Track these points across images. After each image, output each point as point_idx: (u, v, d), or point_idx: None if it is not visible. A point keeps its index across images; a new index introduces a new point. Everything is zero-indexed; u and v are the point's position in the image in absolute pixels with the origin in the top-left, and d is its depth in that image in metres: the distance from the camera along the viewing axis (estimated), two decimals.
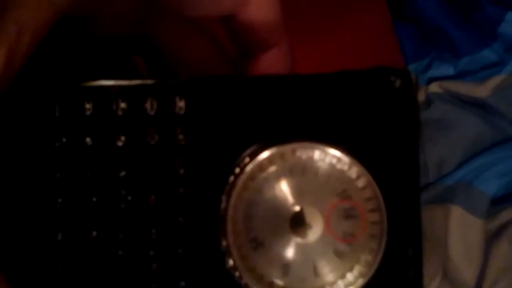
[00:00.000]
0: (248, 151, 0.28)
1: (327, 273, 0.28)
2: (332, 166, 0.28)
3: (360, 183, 0.28)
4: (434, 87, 0.94)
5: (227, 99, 0.28)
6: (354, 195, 0.28)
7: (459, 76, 0.96)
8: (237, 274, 0.28)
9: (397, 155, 0.28)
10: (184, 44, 0.33)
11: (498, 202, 0.88)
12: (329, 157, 0.28)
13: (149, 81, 0.28)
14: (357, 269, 0.28)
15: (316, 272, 0.28)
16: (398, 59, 0.91)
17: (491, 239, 0.85)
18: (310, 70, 0.29)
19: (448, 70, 0.97)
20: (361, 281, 0.28)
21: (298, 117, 0.28)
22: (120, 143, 0.28)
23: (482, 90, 0.94)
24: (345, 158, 0.28)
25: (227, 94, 0.28)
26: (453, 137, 0.91)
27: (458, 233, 0.85)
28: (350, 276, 0.28)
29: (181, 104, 0.28)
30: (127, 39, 0.32)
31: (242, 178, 0.28)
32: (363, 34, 0.84)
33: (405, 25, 0.97)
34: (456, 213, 0.86)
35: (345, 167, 0.28)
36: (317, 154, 0.28)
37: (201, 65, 0.33)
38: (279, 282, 0.28)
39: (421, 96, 0.93)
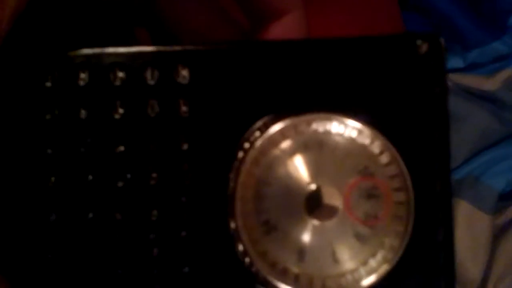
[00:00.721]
0: (259, 124, 0.26)
1: (347, 259, 0.25)
2: (352, 140, 0.26)
3: (384, 158, 0.26)
4: None
5: (235, 66, 0.26)
6: (377, 172, 0.26)
7: (468, 68, 0.95)
8: (247, 260, 0.25)
9: (425, 127, 0.26)
10: (190, 13, 0.31)
11: (506, 197, 0.86)
12: (349, 129, 0.26)
13: (149, 48, 0.26)
14: (380, 255, 0.25)
15: (335, 258, 0.25)
16: None
17: (498, 235, 0.84)
18: None
19: (457, 62, 0.95)
20: (385, 268, 0.25)
21: (314, 85, 0.26)
22: (117, 116, 0.25)
23: (491, 83, 0.92)
24: (367, 131, 0.26)
25: (234, 60, 0.26)
26: (462, 131, 0.89)
27: (465, 228, 0.84)
28: (373, 262, 0.25)
29: (184, 72, 0.25)
30: (129, 8, 0.29)
31: (252, 153, 0.25)
32: (371, 25, 0.83)
33: (414, 16, 0.96)
34: (463, 208, 0.84)
35: (367, 141, 0.26)
36: (335, 126, 0.26)
37: (208, 35, 0.31)
38: (294, 268, 0.25)
39: None
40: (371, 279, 0.25)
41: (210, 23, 0.31)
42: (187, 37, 0.30)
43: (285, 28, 0.29)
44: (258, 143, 0.25)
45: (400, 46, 0.26)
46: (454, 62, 0.95)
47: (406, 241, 0.25)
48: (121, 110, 0.25)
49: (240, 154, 0.25)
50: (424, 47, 0.26)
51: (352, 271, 0.25)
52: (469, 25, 0.95)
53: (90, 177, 0.25)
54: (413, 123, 0.26)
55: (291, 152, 0.26)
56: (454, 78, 0.93)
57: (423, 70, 0.26)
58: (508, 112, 0.91)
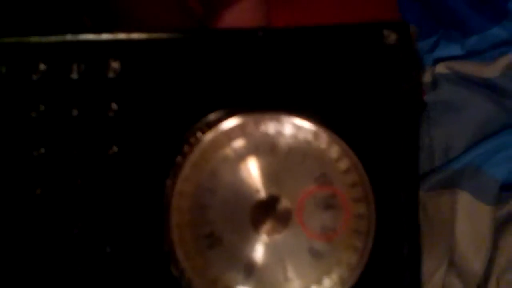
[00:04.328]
0: (200, 123, 0.23)
1: (300, 276, 0.23)
2: (307, 143, 0.23)
3: (343, 165, 0.23)
4: (441, 68, 0.91)
5: (172, 57, 0.23)
6: (335, 180, 0.23)
7: (467, 55, 0.93)
8: (185, 277, 0.22)
9: (391, 130, 0.23)
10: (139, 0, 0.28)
11: (508, 188, 0.83)
12: (304, 132, 0.23)
13: (74, 37, 0.23)
14: (336, 273, 0.23)
15: (285, 276, 0.23)
16: None
17: (500, 227, 0.82)
18: None
19: (456, 49, 0.94)
20: None
21: (265, 80, 0.23)
22: (35, 114, 0.23)
23: (491, 70, 0.91)
24: (324, 134, 0.23)
25: (172, 51, 0.23)
26: (461, 119, 0.88)
27: (466, 220, 0.82)
28: (327, 282, 0.23)
29: (114, 65, 0.23)
30: None
31: (192, 157, 0.23)
32: (364, 10, 0.81)
33: (410, 2, 0.93)
34: (464, 198, 0.83)
35: (324, 145, 0.23)
36: (288, 128, 0.23)
37: (158, 23, 0.29)
38: (239, 287, 0.23)
39: (427, 77, 0.91)
40: None
41: (160, 9, 0.28)
42: (135, 25, 0.28)
43: (239, 14, 0.27)
44: (200, 146, 0.23)
45: (364, 36, 0.23)
46: (453, 49, 0.94)
47: (366, 258, 0.23)
48: (41, 107, 0.23)
49: (179, 158, 0.23)
50: (392, 37, 0.23)
51: None
52: (468, 11, 0.93)
53: (6, 181, 0.22)
54: (376, 125, 0.23)
55: (238, 156, 0.23)
56: (453, 66, 0.92)
57: (391, 64, 0.23)
58: (509, 100, 0.90)
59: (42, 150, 0.22)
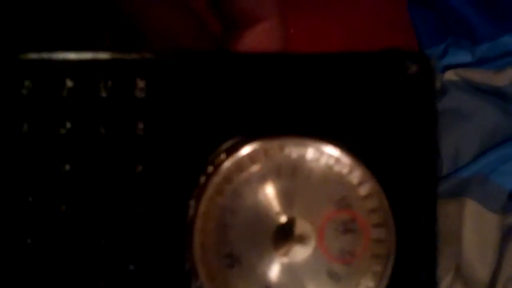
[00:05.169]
0: (225, 146, 0.23)
1: None
2: (328, 168, 0.23)
3: (363, 190, 0.23)
4: (450, 75, 0.91)
5: (199, 79, 0.23)
6: (355, 204, 0.23)
7: (477, 63, 0.93)
8: None
9: (410, 157, 0.23)
10: (158, 17, 0.28)
11: None
12: (326, 156, 0.23)
13: (103, 55, 0.23)
14: None
15: None
16: (413, 44, 0.89)
17: (507, 235, 0.82)
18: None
19: (465, 57, 0.93)
20: None
21: (289, 105, 0.23)
22: (63, 131, 0.23)
23: (501, 79, 0.91)
24: (345, 159, 0.23)
25: (199, 73, 0.23)
26: (470, 127, 0.88)
27: (473, 228, 0.82)
28: None
29: (141, 85, 0.23)
30: (95, 10, 0.27)
31: (216, 179, 0.23)
32: (376, 18, 0.81)
33: (421, 8, 0.94)
34: (471, 207, 0.83)
35: (345, 170, 0.23)
36: (310, 152, 0.23)
37: (177, 41, 0.28)
38: None
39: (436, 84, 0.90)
40: None
41: (180, 29, 0.28)
42: (154, 43, 0.28)
43: (259, 35, 0.27)
44: (224, 167, 0.23)
45: (386, 65, 0.23)
46: (462, 56, 0.94)
47: (385, 282, 0.23)
48: (68, 125, 0.23)
49: (203, 179, 0.23)
50: (413, 68, 0.23)
51: None
52: (479, 18, 0.93)
53: (30, 198, 0.22)
54: (397, 152, 0.23)
55: (261, 179, 0.23)
56: (462, 73, 0.91)
57: (411, 94, 0.23)
58: None
59: (67, 167, 0.22)
